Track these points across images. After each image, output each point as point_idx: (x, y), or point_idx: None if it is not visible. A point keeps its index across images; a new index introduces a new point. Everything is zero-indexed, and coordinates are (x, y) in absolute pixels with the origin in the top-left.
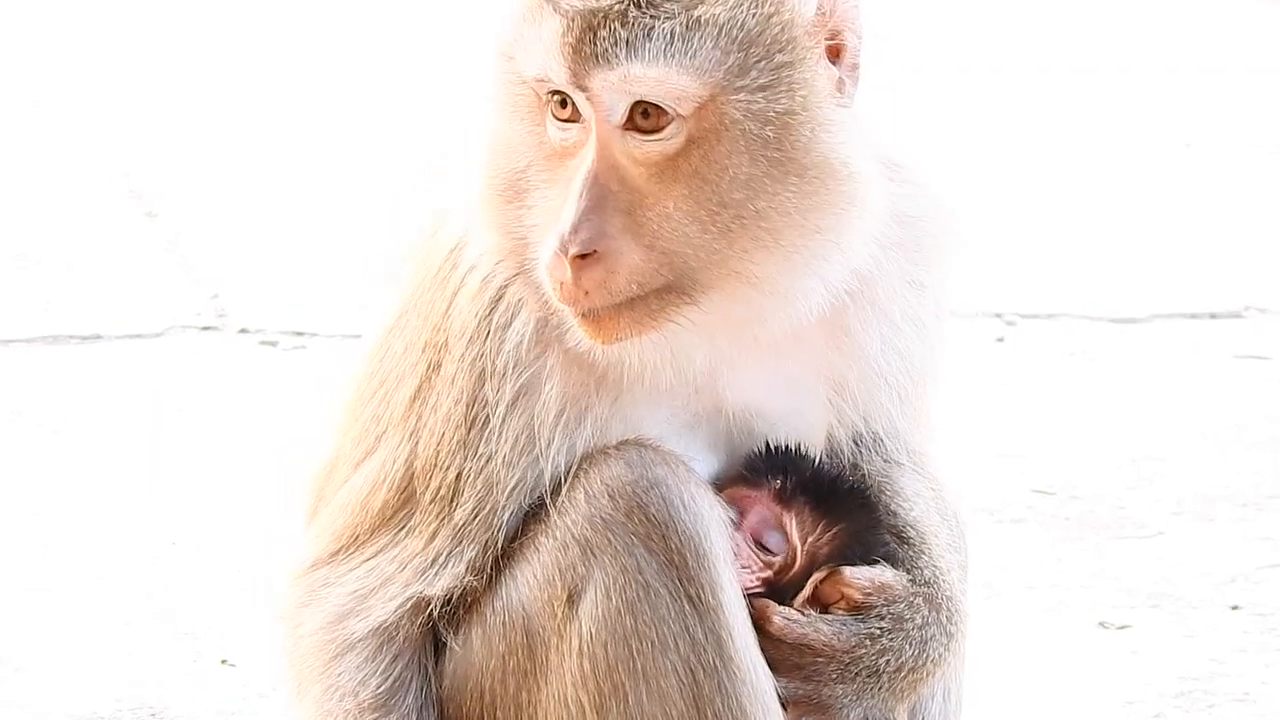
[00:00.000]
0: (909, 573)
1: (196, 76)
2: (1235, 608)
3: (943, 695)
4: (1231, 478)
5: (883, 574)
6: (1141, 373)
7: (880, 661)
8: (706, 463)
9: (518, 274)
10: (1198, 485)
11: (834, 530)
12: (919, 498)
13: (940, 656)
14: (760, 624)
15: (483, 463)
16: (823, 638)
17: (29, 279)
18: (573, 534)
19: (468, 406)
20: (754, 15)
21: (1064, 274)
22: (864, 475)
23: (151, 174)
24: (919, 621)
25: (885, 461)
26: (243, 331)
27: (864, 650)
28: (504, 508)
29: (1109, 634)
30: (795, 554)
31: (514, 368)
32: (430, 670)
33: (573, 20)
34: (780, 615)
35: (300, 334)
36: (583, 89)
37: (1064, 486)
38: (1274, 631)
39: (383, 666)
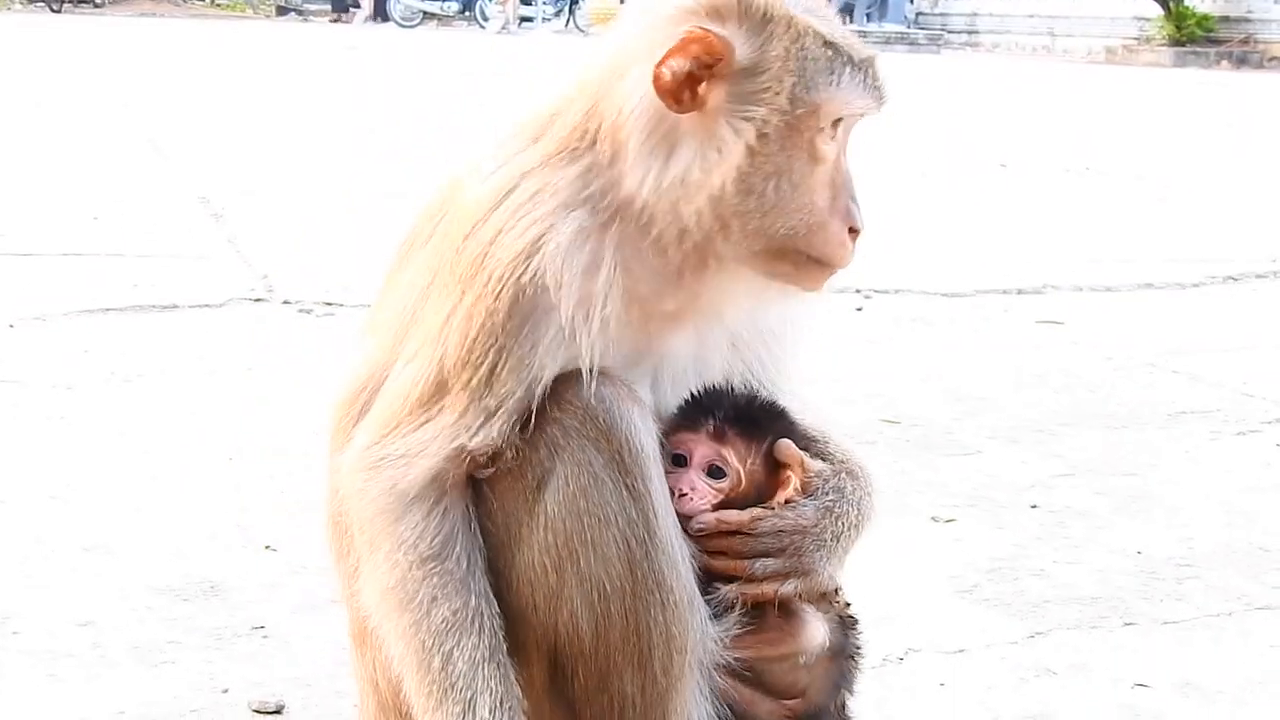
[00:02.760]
0: (824, 459)
1: (249, 111)
2: (1034, 507)
3: None
4: (1033, 411)
5: (812, 463)
6: (966, 333)
7: (839, 525)
8: (643, 391)
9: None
10: (1007, 416)
11: (763, 446)
12: (808, 419)
13: (870, 514)
14: (741, 530)
15: (504, 362)
16: (789, 521)
17: (123, 265)
18: (542, 436)
19: (494, 321)
20: None
21: (908, 260)
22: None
23: (217, 187)
24: (850, 488)
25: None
26: (285, 303)
27: (827, 520)
28: (518, 398)
29: (938, 526)
30: (739, 476)
31: (535, 294)
32: (474, 528)
33: (873, 67)
34: (752, 514)
35: (330, 304)
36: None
37: (906, 417)
38: (1063, 525)
39: (435, 522)
